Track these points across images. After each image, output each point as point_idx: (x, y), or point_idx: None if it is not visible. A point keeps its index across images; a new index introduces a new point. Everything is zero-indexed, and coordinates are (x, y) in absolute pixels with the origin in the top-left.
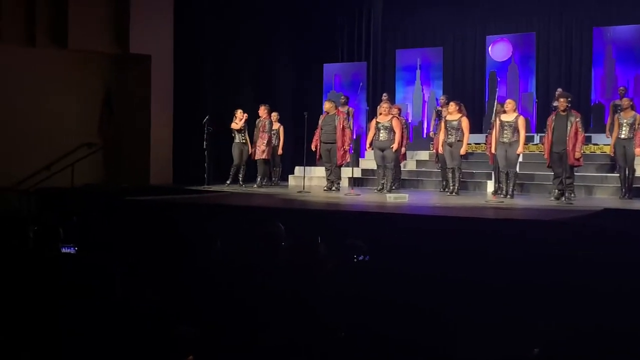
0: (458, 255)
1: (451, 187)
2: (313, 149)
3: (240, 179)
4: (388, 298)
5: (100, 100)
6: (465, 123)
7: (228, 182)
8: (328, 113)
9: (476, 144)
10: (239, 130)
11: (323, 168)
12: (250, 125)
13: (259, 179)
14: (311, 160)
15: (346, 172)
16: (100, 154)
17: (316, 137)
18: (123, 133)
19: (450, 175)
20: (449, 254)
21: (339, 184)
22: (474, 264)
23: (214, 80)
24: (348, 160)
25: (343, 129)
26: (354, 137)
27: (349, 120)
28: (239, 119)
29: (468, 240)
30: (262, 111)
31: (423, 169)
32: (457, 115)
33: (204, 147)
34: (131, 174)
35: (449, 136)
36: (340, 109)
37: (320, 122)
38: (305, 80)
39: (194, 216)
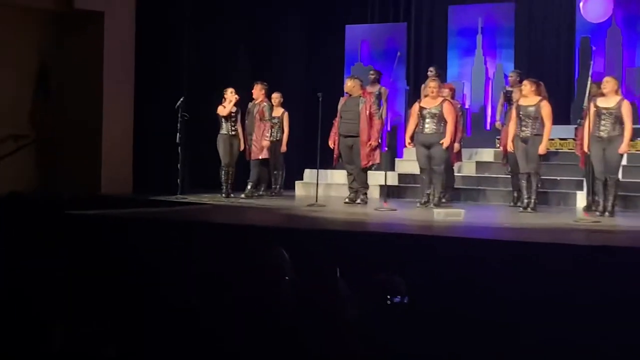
0: (536, 300)
1: (525, 200)
2: (331, 145)
3: (229, 185)
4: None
5: (32, 76)
6: (546, 110)
7: (222, 193)
8: (350, 95)
9: (561, 139)
10: (228, 118)
11: (344, 172)
12: (243, 110)
13: (249, 186)
14: (327, 160)
15: (376, 178)
16: (32, 150)
17: (334, 129)
18: (64, 122)
19: (524, 183)
20: (522, 298)
21: (365, 194)
22: (560, 314)
23: (193, 48)
24: (378, 161)
25: (370, 116)
26: (388, 128)
27: (379, 104)
28: (229, 102)
29: (551, 278)
30: (258, 91)
31: (486, 174)
32: (535, 99)
33: (177, 141)
34: (75, 179)
35: (523, 128)
36: (368, 88)
37: (339, 107)
38: (319, 49)
39: (160, 239)
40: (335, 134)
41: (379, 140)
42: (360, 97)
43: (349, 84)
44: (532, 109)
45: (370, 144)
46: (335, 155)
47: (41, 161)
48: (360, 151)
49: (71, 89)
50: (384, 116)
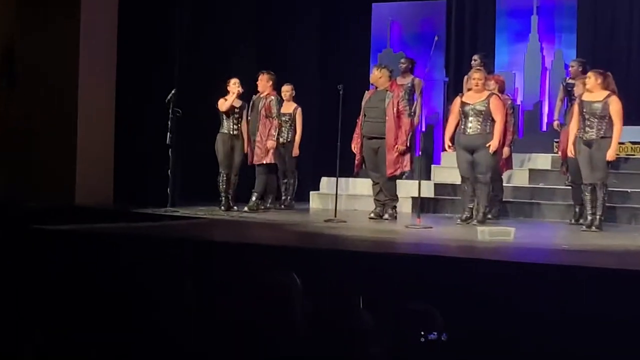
0: (601, 335)
1: (589, 217)
2: (353, 149)
3: (229, 196)
4: None
5: None
6: (615, 107)
7: (221, 205)
8: (376, 88)
9: (634, 143)
10: (230, 114)
11: (368, 180)
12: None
13: (254, 197)
14: (349, 167)
15: (408, 189)
16: None
17: (358, 129)
18: (31, 117)
19: (587, 196)
20: (584, 333)
21: (394, 208)
22: (631, 349)
23: (188, 30)
24: (408, 168)
25: (398, 114)
26: (422, 128)
27: (412, 99)
28: (231, 94)
29: (619, 309)
30: (264, 82)
31: (541, 185)
32: (602, 94)
33: (168, 142)
34: (45, 187)
35: (587, 129)
36: (399, 80)
37: (363, 103)
38: (340, 32)
39: (147, 259)
40: (359, 136)
41: (408, 144)
42: (387, 90)
43: (376, 74)
44: (598, 105)
45: (397, 148)
46: (357, 162)
47: (4, 164)
48: (387, 156)
49: (41, 77)
50: (417, 113)
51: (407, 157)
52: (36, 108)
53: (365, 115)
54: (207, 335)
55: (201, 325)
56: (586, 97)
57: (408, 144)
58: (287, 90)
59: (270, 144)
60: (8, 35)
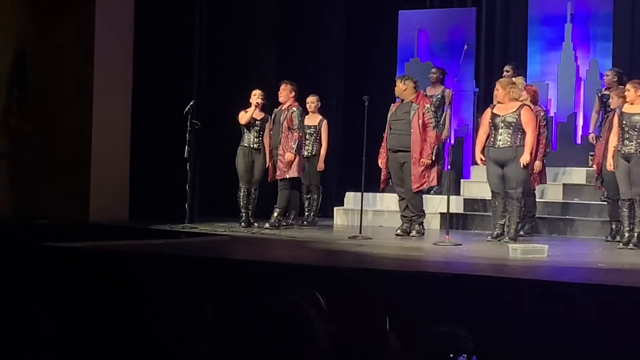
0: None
1: (626, 234)
2: (380, 164)
3: (249, 212)
4: None
5: (6, 71)
6: None
7: (242, 222)
8: (402, 100)
9: None
10: (250, 126)
11: (395, 196)
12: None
13: (276, 213)
14: (375, 181)
15: (436, 205)
16: (4, 166)
17: (384, 143)
18: (44, 130)
19: (625, 212)
20: (621, 356)
21: (422, 224)
22: None
23: (208, 39)
24: (435, 183)
25: (424, 126)
26: (451, 141)
27: (439, 111)
28: (252, 106)
29: None
30: (286, 93)
31: (575, 200)
32: None
33: (186, 156)
34: (57, 203)
35: (626, 142)
36: (429, 90)
37: (389, 116)
38: (365, 41)
39: (164, 278)
40: (385, 150)
41: (434, 157)
42: (412, 102)
43: (400, 87)
44: (639, 118)
45: (422, 162)
46: (383, 177)
47: (14, 179)
48: (412, 170)
49: (54, 88)
50: (446, 126)
51: (434, 171)
52: (48, 119)
53: (390, 128)
54: (226, 356)
55: (220, 346)
56: (626, 109)
57: (434, 158)
58: (312, 101)
59: (289, 156)
60: (20, 42)
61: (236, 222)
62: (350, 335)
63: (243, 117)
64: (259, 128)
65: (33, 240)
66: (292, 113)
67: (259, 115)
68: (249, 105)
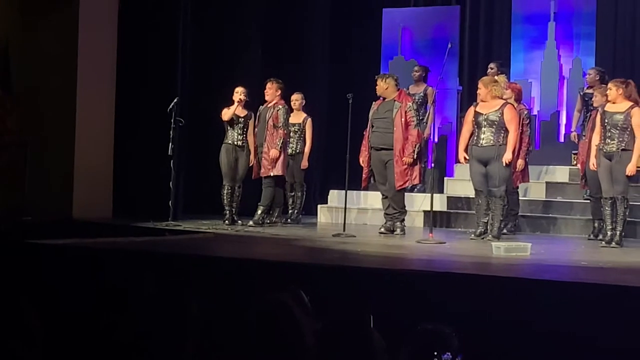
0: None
1: (608, 233)
2: (361, 162)
3: (233, 210)
4: None
5: None
6: (638, 119)
7: (226, 219)
8: (384, 99)
9: None
10: (234, 123)
11: (378, 194)
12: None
13: (260, 211)
14: (359, 179)
15: (418, 203)
16: None
17: (365, 141)
18: (27, 126)
19: (608, 210)
20: (603, 355)
21: (403, 221)
22: None
23: (193, 36)
24: (417, 181)
25: (406, 125)
26: (434, 139)
27: (421, 109)
28: (235, 103)
29: None
30: (273, 91)
31: (558, 199)
32: (624, 105)
33: (170, 153)
34: (41, 200)
35: (608, 141)
36: (412, 88)
37: (370, 114)
38: (349, 39)
39: (147, 276)
40: (367, 149)
41: (415, 156)
42: (394, 100)
43: (381, 85)
44: (620, 117)
45: (403, 160)
46: (364, 175)
47: (0, 177)
48: (395, 168)
49: (38, 86)
50: (429, 124)
51: (416, 169)
52: (32, 117)
53: (372, 126)
54: (210, 354)
55: (204, 344)
56: (608, 107)
57: (415, 156)
58: (296, 99)
59: (274, 153)
60: (4, 40)
61: (220, 219)
62: (335, 333)
63: (226, 113)
64: (242, 125)
65: (17, 238)
66: (278, 111)
67: (242, 112)
68: (233, 102)
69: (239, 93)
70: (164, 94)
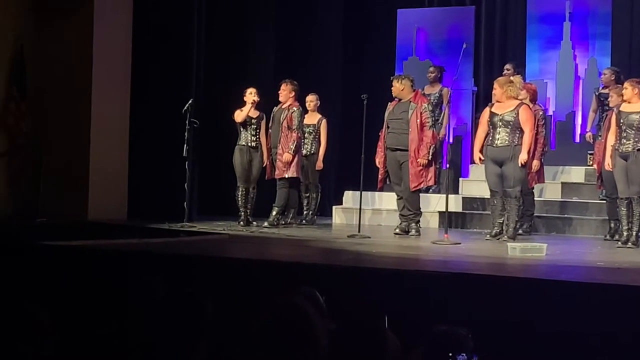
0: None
1: (624, 233)
2: (377, 163)
3: (248, 211)
4: None
5: (5, 70)
6: None
7: (240, 220)
8: (400, 100)
9: None
10: (247, 125)
11: (394, 195)
12: (269, 116)
13: (274, 212)
14: (374, 180)
15: (434, 204)
16: (3, 166)
17: (381, 142)
18: (43, 129)
19: (624, 210)
20: (621, 355)
21: (418, 222)
22: None
23: (206, 37)
24: (432, 182)
25: (422, 126)
26: (449, 140)
27: (437, 110)
28: (248, 104)
29: None
30: (287, 92)
31: (574, 199)
32: None
33: (184, 154)
34: (55, 202)
35: (624, 141)
36: (427, 89)
37: (386, 115)
38: (364, 40)
39: (162, 277)
40: (382, 149)
41: (430, 157)
42: (410, 101)
43: (397, 87)
44: (635, 117)
45: (418, 161)
46: (380, 176)
47: (13, 179)
48: (410, 169)
49: (53, 88)
50: (444, 124)
51: (431, 170)
52: (47, 118)
53: (388, 127)
54: (225, 354)
55: (220, 345)
56: (624, 107)
57: (430, 157)
58: (311, 100)
59: (287, 157)
60: (18, 42)
61: (235, 221)
62: (349, 334)
63: (239, 115)
64: (255, 126)
65: (32, 240)
66: (292, 113)
67: (254, 113)
68: (244, 103)
69: (252, 94)
70: (179, 95)
